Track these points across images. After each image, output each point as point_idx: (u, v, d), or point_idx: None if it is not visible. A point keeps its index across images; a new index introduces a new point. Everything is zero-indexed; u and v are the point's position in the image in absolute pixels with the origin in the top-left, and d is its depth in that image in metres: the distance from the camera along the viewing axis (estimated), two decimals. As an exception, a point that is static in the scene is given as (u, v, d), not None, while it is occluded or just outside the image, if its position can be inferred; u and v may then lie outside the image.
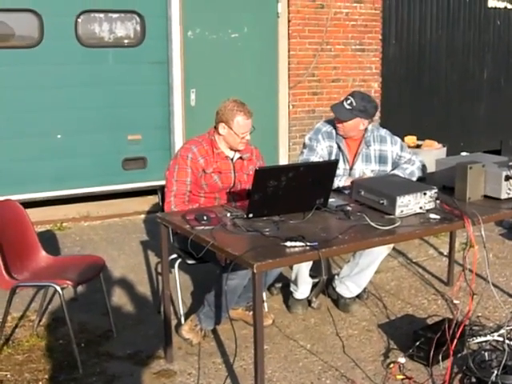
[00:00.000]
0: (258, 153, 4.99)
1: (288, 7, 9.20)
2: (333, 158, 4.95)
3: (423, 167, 5.07)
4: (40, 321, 4.96)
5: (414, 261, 6.39)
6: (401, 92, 10.48)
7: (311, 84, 9.55)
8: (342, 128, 4.93)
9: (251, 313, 4.85)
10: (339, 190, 4.70)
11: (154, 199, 8.20)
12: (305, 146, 5.05)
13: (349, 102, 4.85)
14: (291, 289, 5.21)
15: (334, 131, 5.00)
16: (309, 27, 9.40)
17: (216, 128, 4.75)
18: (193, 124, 8.55)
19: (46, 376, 4.23)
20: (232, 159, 4.80)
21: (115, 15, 8.12)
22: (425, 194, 4.15)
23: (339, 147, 4.97)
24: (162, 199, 4.93)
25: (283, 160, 9.44)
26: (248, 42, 8.98)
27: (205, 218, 3.93)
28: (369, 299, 5.42)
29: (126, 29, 8.24)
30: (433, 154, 8.16)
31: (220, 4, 8.70)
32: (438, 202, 4.25)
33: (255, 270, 3.29)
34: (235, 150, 4.80)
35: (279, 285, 5.49)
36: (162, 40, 8.40)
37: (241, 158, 4.83)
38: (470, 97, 11.27)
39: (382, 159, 5.04)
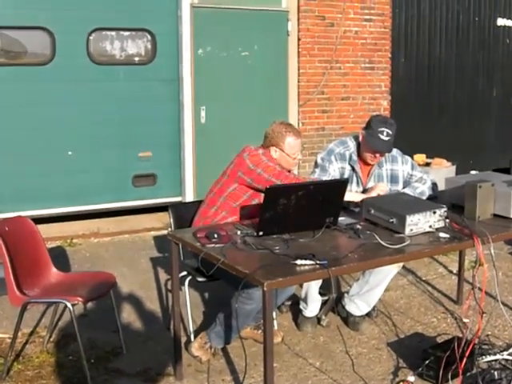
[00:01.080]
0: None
1: (298, 25, 9.27)
2: (344, 179, 4.96)
3: (434, 186, 5.08)
4: (50, 337, 4.97)
5: (424, 279, 6.39)
6: (410, 110, 10.51)
7: (321, 102, 9.59)
8: (379, 158, 4.96)
9: (260, 331, 4.87)
10: (349, 209, 4.72)
11: (163, 216, 8.23)
12: (317, 165, 5.03)
13: (385, 133, 4.78)
14: (301, 307, 5.22)
15: (347, 153, 5.00)
16: (318, 45, 9.46)
17: (267, 150, 4.72)
18: (203, 141, 8.61)
19: (56, 392, 4.25)
20: None
21: (126, 33, 8.19)
22: (434, 212, 4.17)
23: (353, 169, 4.98)
24: (174, 217, 4.95)
25: (293, 178, 9.44)
26: (258, 59, 9.03)
27: (215, 235, 3.95)
28: (378, 317, 5.42)
29: (137, 47, 8.30)
30: (442, 172, 8.19)
31: (230, 22, 8.77)
32: (447, 220, 4.27)
33: (265, 288, 3.31)
34: (288, 171, 4.79)
35: (288, 302, 5.48)
36: (173, 58, 8.46)
37: None
38: (479, 115, 11.29)
39: (393, 179, 5.06)
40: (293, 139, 4.69)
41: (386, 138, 4.81)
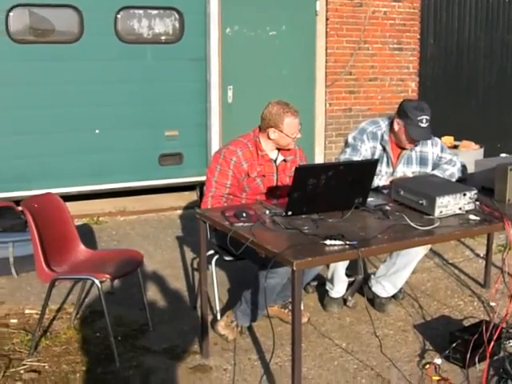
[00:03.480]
0: (302, 153, 4.96)
1: (326, 5, 9.20)
2: (375, 158, 4.92)
3: (463, 168, 5.04)
4: (77, 313, 5.00)
5: (450, 262, 6.35)
6: (438, 92, 10.42)
7: (348, 82, 9.53)
8: (416, 144, 4.95)
9: (287, 310, 4.88)
10: (378, 190, 4.69)
11: (189, 195, 8.26)
12: (347, 144, 4.99)
13: (424, 120, 4.74)
14: (327, 287, 5.21)
15: (379, 132, 4.95)
16: (347, 25, 9.39)
17: (264, 132, 4.68)
18: (229, 121, 8.59)
19: (84, 368, 4.27)
20: (275, 161, 4.79)
21: (154, 11, 8.17)
22: (464, 194, 4.13)
23: (384, 149, 4.95)
24: (201, 195, 4.94)
25: (319, 158, 9.43)
26: (286, 39, 8.99)
27: (244, 214, 3.94)
28: (404, 299, 5.40)
29: (165, 25, 8.28)
30: (470, 154, 8.13)
31: (258, 1, 8.73)
32: (477, 203, 4.22)
33: (295, 268, 3.29)
34: (287, 149, 4.77)
35: (315, 283, 5.47)
36: (201, 37, 8.43)
37: (284, 160, 4.81)
38: (507, 97, 11.16)
39: (422, 161, 5.02)
40: (291, 119, 4.61)
41: (426, 125, 4.76)
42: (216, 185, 4.62)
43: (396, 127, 4.87)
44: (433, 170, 5.00)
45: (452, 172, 4.94)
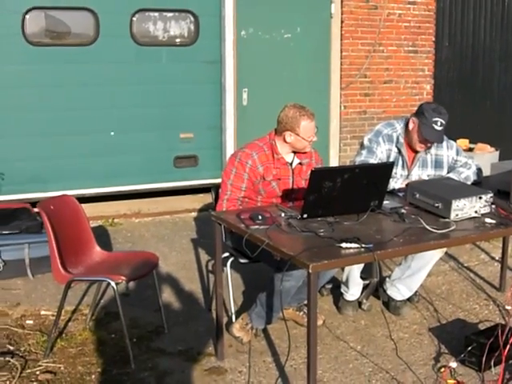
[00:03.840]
0: (318, 156, 4.95)
1: (341, 8, 9.20)
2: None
3: (479, 171, 5.03)
4: (92, 315, 5.02)
5: (466, 265, 6.33)
6: (453, 95, 10.39)
7: (363, 85, 9.53)
8: (428, 146, 4.93)
9: (302, 313, 4.88)
10: (394, 193, 4.69)
11: (204, 197, 8.26)
12: (363, 147, 4.99)
13: (439, 123, 4.74)
14: (342, 290, 5.21)
15: (394, 134, 4.95)
16: (362, 28, 9.39)
17: (280, 135, 4.67)
18: (244, 123, 8.60)
19: (99, 369, 4.28)
20: (291, 164, 4.78)
21: (170, 14, 8.19)
22: (480, 198, 4.12)
23: (400, 152, 4.94)
24: (216, 198, 4.94)
25: (334, 161, 9.43)
26: (301, 42, 8.99)
27: (260, 217, 3.95)
28: (419, 302, 5.39)
29: (180, 28, 8.30)
30: (485, 157, 8.10)
31: (273, 4, 8.73)
32: (493, 206, 4.22)
33: (310, 271, 3.30)
34: (303, 152, 4.76)
35: (329, 286, 5.46)
36: (216, 39, 8.45)
37: (300, 163, 4.80)
38: (523, 100, 11.13)
39: (437, 164, 5.02)
40: (307, 122, 4.59)
41: (440, 128, 4.76)
42: (231, 188, 4.62)
43: (411, 125, 4.88)
44: (448, 173, 5.00)
45: (467, 175, 4.94)
